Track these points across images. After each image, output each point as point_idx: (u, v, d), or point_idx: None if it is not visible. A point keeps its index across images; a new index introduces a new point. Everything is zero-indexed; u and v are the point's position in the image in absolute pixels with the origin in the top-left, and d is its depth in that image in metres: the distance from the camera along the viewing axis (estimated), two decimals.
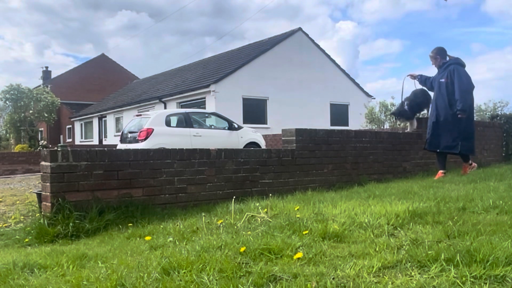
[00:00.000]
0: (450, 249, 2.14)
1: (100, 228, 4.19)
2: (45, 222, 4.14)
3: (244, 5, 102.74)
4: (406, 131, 7.72)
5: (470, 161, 6.89)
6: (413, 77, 7.29)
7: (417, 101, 7.39)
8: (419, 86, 7.32)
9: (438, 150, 6.74)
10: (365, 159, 6.90)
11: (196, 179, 5.17)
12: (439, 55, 6.73)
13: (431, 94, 7.24)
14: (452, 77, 6.45)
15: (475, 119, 8.35)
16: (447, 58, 6.69)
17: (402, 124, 7.54)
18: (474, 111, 8.04)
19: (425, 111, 7.91)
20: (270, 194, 4.74)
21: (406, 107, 7.34)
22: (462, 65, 6.61)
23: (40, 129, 31.22)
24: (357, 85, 24.63)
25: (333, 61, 23.68)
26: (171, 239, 3.15)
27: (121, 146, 10.32)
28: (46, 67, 40.55)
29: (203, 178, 5.22)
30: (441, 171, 6.72)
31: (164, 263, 2.26)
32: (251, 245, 2.44)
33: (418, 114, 7.82)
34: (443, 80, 6.56)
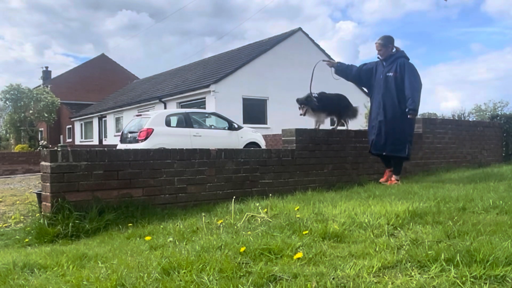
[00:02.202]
0: (450, 249, 2.14)
1: (100, 228, 4.19)
2: (45, 222, 4.14)
3: (244, 5, 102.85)
4: (316, 127, 6.40)
5: (399, 176, 6.03)
6: (330, 64, 6.30)
7: (329, 97, 6.35)
8: (336, 76, 6.31)
9: (384, 154, 5.88)
10: (365, 159, 6.89)
11: (196, 179, 5.17)
12: (391, 44, 5.85)
13: (358, 92, 6.43)
14: (402, 72, 5.64)
15: (474, 119, 8.28)
16: (394, 50, 5.87)
17: (306, 115, 6.17)
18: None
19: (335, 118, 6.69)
20: (270, 194, 4.74)
21: (315, 96, 6.15)
22: (409, 59, 5.84)
23: (40, 129, 31.23)
24: None
25: None
26: (171, 239, 3.15)
27: (121, 146, 10.32)
28: (46, 67, 40.58)
29: (203, 178, 5.22)
30: (397, 177, 6.01)
31: (164, 263, 2.26)
32: (251, 245, 2.44)
33: (326, 115, 6.48)
34: (391, 74, 5.71)
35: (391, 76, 5.69)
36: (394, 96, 5.66)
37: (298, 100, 6.12)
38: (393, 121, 5.68)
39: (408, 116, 5.60)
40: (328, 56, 23.56)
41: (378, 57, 5.92)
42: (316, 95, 6.17)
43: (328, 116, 6.49)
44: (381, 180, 6.01)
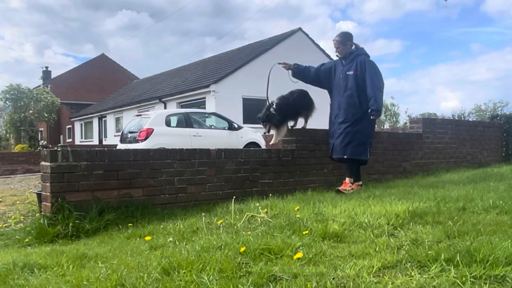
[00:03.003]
0: (450, 249, 2.14)
1: (100, 228, 4.19)
2: (45, 222, 4.14)
3: (244, 5, 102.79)
4: (272, 142, 6.03)
5: (361, 181, 5.56)
6: (287, 66, 5.72)
7: (289, 103, 5.69)
8: (295, 80, 5.84)
9: (345, 157, 5.37)
10: None
11: (196, 179, 5.17)
12: (349, 40, 5.45)
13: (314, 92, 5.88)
14: (362, 70, 5.25)
15: (474, 119, 8.22)
16: (353, 47, 5.48)
17: (271, 131, 5.74)
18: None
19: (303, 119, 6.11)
20: (270, 194, 4.74)
21: (273, 109, 5.58)
22: (369, 57, 5.46)
23: (40, 129, 31.25)
24: None
25: None
26: (171, 239, 3.15)
27: (121, 146, 10.32)
28: (46, 67, 40.59)
29: (203, 178, 5.22)
30: (356, 182, 5.40)
31: (164, 263, 2.26)
32: (251, 245, 2.44)
33: (292, 122, 5.93)
34: (351, 72, 5.31)
35: (351, 75, 5.31)
36: (355, 96, 5.28)
37: (259, 118, 5.66)
38: (354, 122, 5.28)
39: (371, 117, 5.24)
40: (328, 56, 23.59)
41: (337, 55, 5.56)
42: (276, 102, 5.64)
43: (293, 121, 5.92)
44: (340, 187, 5.39)
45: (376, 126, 5.57)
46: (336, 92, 5.54)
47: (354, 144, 5.27)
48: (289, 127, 5.88)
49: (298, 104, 5.76)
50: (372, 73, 5.24)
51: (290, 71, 5.79)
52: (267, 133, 5.85)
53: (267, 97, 5.90)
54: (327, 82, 5.69)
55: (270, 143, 6.02)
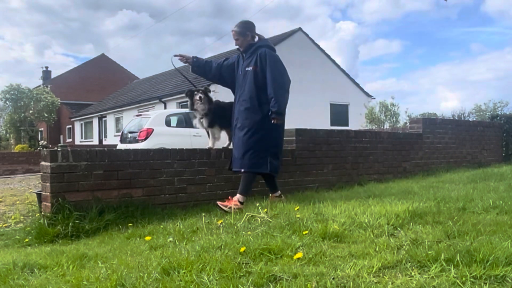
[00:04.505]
0: (450, 249, 2.14)
1: (100, 228, 4.18)
2: (45, 222, 4.14)
3: (244, 5, 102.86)
4: (208, 147, 5.22)
5: (279, 191, 4.74)
6: (184, 59, 4.82)
7: (224, 108, 4.93)
8: (194, 75, 5.19)
9: (243, 170, 4.41)
10: (365, 159, 6.90)
11: (196, 179, 5.17)
12: (249, 31, 4.56)
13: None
14: (263, 65, 4.39)
15: (474, 119, 8.18)
16: (256, 39, 4.63)
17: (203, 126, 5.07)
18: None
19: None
20: (270, 194, 4.74)
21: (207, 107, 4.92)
22: (275, 50, 4.65)
23: (40, 129, 31.24)
24: (357, 85, 24.64)
25: (333, 61, 23.69)
26: (171, 239, 3.15)
27: (121, 146, 10.33)
28: (46, 67, 40.64)
29: (203, 178, 5.22)
30: (240, 198, 4.33)
31: (164, 263, 2.26)
32: (251, 245, 2.44)
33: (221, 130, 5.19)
34: (250, 68, 4.46)
35: (251, 71, 4.44)
36: (254, 97, 4.41)
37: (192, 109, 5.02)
38: (252, 128, 4.37)
39: (272, 121, 4.33)
40: (329, 56, 23.61)
41: (238, 49, 4.69)
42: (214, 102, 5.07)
43: (222, 130, 5.19)
44: (272, 195, 4.68)
45: (284, 131, 4.72)
46: (237, 92, 4.64)
47: (251, 154, 4.35)
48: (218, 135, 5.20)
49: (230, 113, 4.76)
50: (273, 68, 4.38)
51: (189, 66, 4.91)
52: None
53: (191, 84, 5.22)
54: (230, 81, 4.77)
55: (210, 147, 5.20)
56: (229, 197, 4.41)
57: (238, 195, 4.35)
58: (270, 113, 4.34)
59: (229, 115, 4.76)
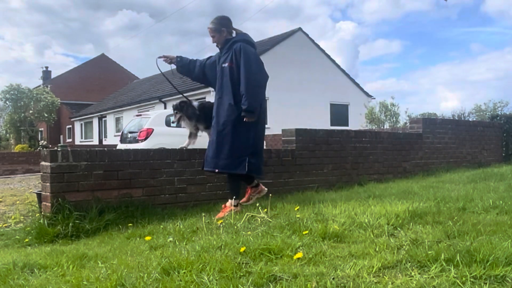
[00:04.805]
0: (450, 249, 2.14)
1: (100, 228, 4.19)
2: (45, 222, 4.14)
3: (244, 5, 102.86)
4: (182, 146, 5.16)
5: (256, 182, 4.57)
6: (168, 60, 4.69)
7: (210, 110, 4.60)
8: (180, 76, 5.09)
9: (217, 171, 4.29)
10: (365, 159, 6.90)
11: (196, 179, 5.17)
12: (225, 26, 4.38)
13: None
14: (238, 60, 4.22)
15: (474, 119, 8.16)
16: (234, 34, 4.45)
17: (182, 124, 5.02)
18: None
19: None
20: (270, 194, 4.73)
21: (196, 104, 4.89)
22: (252, 45, 4.42)
23: (40, 129, 31.23)
24: (357, 85, 24.64)
25: (333, 61, 23.69)
26: (171, 239, 3.15)
27: (121, 146, 10.33)
28: (46, 67, 40.61)
29: (203, 178, 5.22)
30: (233, 202, 4.16)
31: (164, 263, 2.26)
32: (251, 245, 2.44)
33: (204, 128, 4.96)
34: (226, 64, 4.29)
35: (227, 68, 4.27)
36: (230, 94, 4.23)
37: (173, 106, 4.98)
38: (228, 128, 4.20)
39: (244, 120, 4.14)
40: (328, 56, 23.60)
41: (216, 45, 4.53)
42: (200, 103, 4.96)
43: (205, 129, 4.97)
44: (242, 200, 4.48)
45: (265, 130, 4.52)
46: (216, 89, 4.49)
47: (225, 154, 4.18)
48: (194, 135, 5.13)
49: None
50: (246, 63, 4.17)
51: (173, 66, 4.77)
52: (175, 123, 5.10)
53: (180, 93, 5.31)
54: (214, 79, 4.56)
55: (185, 146, 5.14)
56: (223, 206, 4.31)
57: (229, 201, 4.21)
58: (242, 111, 4.15)
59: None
